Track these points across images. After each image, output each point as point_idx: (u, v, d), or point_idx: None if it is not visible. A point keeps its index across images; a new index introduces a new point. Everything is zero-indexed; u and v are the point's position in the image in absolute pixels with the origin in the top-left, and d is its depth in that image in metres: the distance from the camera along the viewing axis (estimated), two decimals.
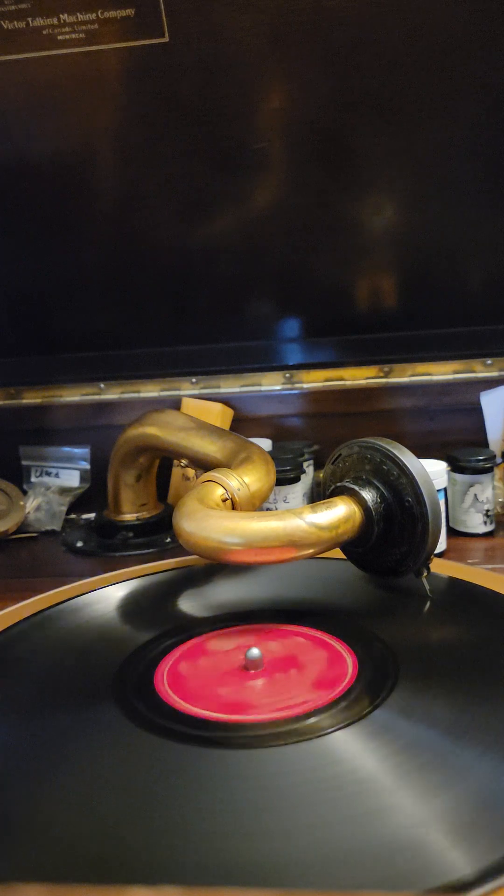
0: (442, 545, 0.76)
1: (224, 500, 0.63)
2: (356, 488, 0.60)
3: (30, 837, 0.38)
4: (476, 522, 0.80)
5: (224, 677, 0.52)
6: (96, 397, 0.99)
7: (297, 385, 0.97)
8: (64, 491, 0.96)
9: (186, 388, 0.98)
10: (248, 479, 0.65)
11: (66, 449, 1.00)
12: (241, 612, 0.61)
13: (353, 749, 0.43)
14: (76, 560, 0.82)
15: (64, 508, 0.92)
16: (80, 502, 0.96)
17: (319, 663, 0.52)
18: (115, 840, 0.38)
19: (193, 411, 0.93)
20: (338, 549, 0.62)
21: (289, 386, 0.97)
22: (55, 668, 0.55)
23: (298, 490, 0.83)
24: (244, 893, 0.34)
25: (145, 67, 0.79)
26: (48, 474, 1.00)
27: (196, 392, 0.97)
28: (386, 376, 0.95)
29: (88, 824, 0.39)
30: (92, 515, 0.93)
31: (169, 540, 0.83)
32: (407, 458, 0.59)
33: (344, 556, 0.65)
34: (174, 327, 0.98)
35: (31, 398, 1.00)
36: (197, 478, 0.81)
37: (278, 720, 0.46)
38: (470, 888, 0.33)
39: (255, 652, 0.52)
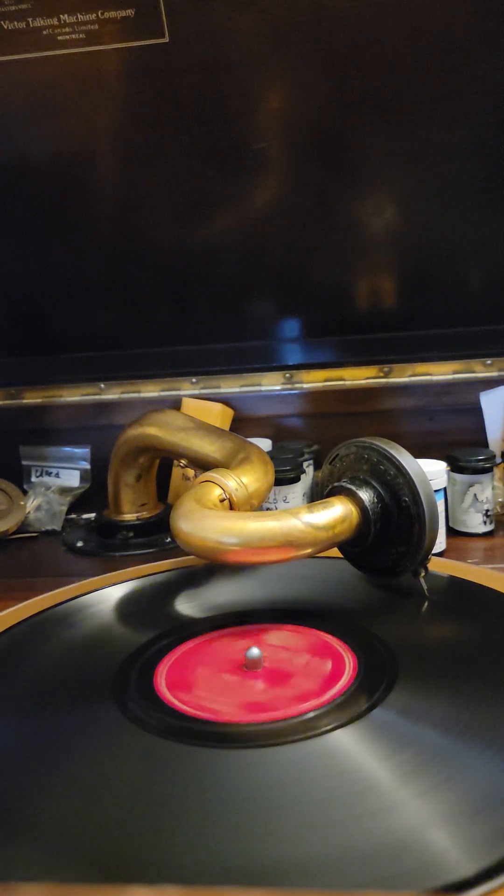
0: (441, 545, 0.76)
1: (221, 501, 0.63)
2: (353, 488, 0.60)
3: (30, 837, 0.38)
4: (476, 522, 0.80)
5: (224, 677, 0.52)
6: (96, 397, 0.99)
7: (297, 385, 0.97)
8: (64, 491, 0.96)
9: (186, 388, 0.98)
10: (246, 480, 0.65)
11: (67, 449, 1.00)
12: (241, 612, 0.61)
13: (352, 748, 0.43)
14: (76, 560, 0.82)
15: (64, 508, 0.92)
16: (80, 502, 0.96)
17: (319, 663, 0.53)
18: (115, 840, 0.38)
19: (193, 411, 0.93)
20: (337, 549, 0.62)
21: (289, 386, 0.97)
22: (55, 668, 0.55)
23: (298, 490, 0.83)
24: (244, 893, 0.34)
25: (145, 67, 0.79)
26: (48, 474, 1.00)
27: (196, 392, 0.97)
28: (386, 376, 0.95)
29: (88, 824, 0.39)
30: (92, 515, 0.93)
31: (169, 540, 0.83)
32: (404, 457, 0.59)
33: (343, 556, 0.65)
34: (174, 327, 0.98)
35: (31, 398, 1.00)
36: (196, 478, 0.81)
37: (278, 720, 0.46)
38: (470, 887, 0.33)
39: (254, 652, 0.52)
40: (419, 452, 0.66)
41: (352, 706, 0.47)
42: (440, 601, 0.61)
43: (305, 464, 0.87)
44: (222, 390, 0.97)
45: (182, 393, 0.97)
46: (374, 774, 0.41)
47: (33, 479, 1.00)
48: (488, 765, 0.41)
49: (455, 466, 0.80)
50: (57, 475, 1.00)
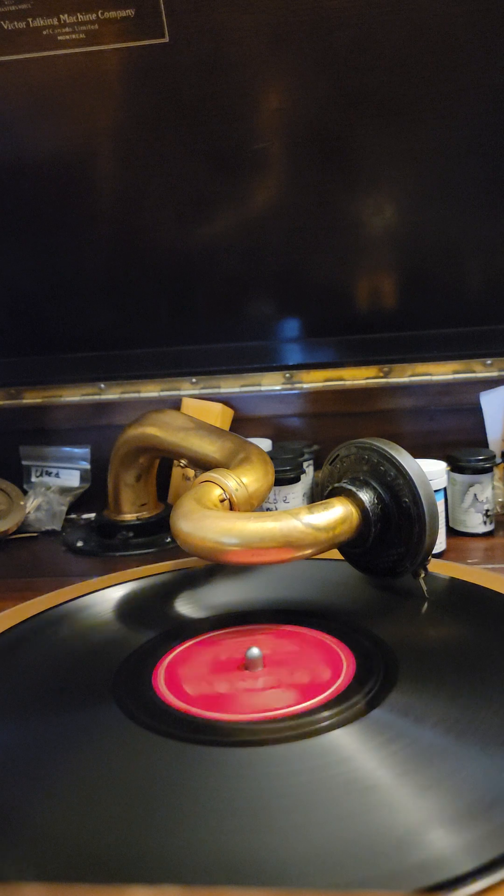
0: (441, 545, 0.76)
1: (222, 501, 0.63)
2: (353, 489, 0.60)
3: (30, 837, 0.38)
4: (476, 522, 0.80)
5: (224, 677, 0.52)
6: (96, 397, 0.99)
7: (297, 385, 0.97)
8: (64, 491, 0.96)
9: (186, 388, 0.98)
10: (246, 480, 0.65)
11: (67, 449, 1.00)
12: (241, 612, 0.62)
13: (352, 748, 0.43)
14: (76, 560, 0.82)
15: (64, 508, 0.93)
16: (80, 502, 0.96)
17: (319, 663, 0.53)
18: (115, 840, 0.38)
19: (193, 411, 0.93)
20: (337, 550, 0.62)
21: (289, 386, 0.97)
22: (56, 668, 0.55)
23: (298, 490, 0.83)
24: (244, 893, 0.34)
25: (145, 67, 0.79)
26: (48, 474, 1.00)
27: (196, 392, 0.97)
28: (386, 376, 0.95)
29: (88, 824, 0.39)
30: (92, 515, 0.93)
31: (169, 540, 0.83)
32: (404, 458, 0.59)
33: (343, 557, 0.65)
34: (174, 327, 0.98)
35: (31, 398, 1.00)
36: (196, 478, 0.81)
37: (277, 719, 0.46)
38: (467, 885, 0.33)
39: (254, 651, 0.52)
40: (419, 452, 0.66)
41: (351, 706, 0.47)
42: (440, 602, 0.61)
43: (305, 464, 0.87)
44: (222, 390, 0.97)
45: (182, 393, 0.97)
46: (373, 774, 0.41)
47: (33, 479, 1.00)
48: (487, 764, 0.41)
49: (455, 466, 0.80)
50: (57, 475, 1.00)
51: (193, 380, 0.98)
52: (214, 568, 0.70)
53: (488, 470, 0.79)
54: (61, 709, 0.50)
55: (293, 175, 0.88)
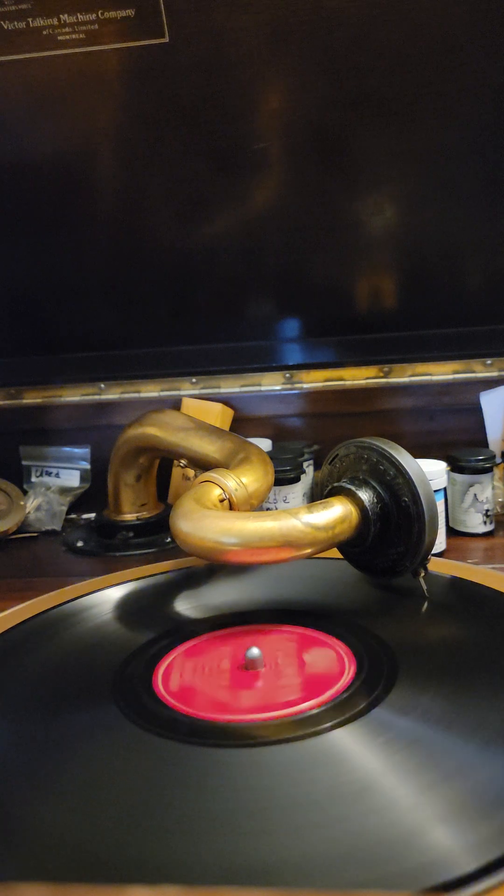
0: (441, 545, 0.76)
1: (221, 501, 0.63)
2: (353, 488, 0.60)
3: (30, 837, 0.38)
4: (476, 522, 0.80)
5: (224, 677, 0.52)
6: (96, 397, 0.99)
7: (297, 385, 0.97)
8: (64, 491, 0.96)
9: (186, 388, 0.98)
10: (245, 480, 0.65)
11: (67, 449, 1.00)
12: (241, 612, 0.61)
13: (352, 748, 0.43)
14: (76, 560, 0.82)
15: (64, 508, 0.92)
16: (80, 502, 0.96)
17: (319, 663, 0.53)
18: (115, 840, 0.38)
19: (193, 411, 0.93)
20: (336, 549, 0.62)
21: (289, 386, 0.97)
22: (56, 668, 0.55)
23: (298, 490, 0.83)
24: (244, 893, 0.34)
25: (145, 67, 0.79)
26: (48, 474, 1.00)
27: (196, 392, 0.97)
28: (386, 376, 0.95)
29: (88, 824, 0.39)
30: (92, 515, 0.93)
31: (169, 540, 0.83)
32: (403, 458, 0.59)
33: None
34: (174, 327, 0.98)
35: (31, 398, 1.00)
36: (196, 478, 0.81)
37: (278, 720, 0.46)
38: (470, 885, 0.33)
39: (254, 652, 0.52)
40: (419, 452, 0.66)
41: (352, 706, 0.47)
42: (440, 601, 0.61)
43: (305, 464, 0.87)
44: (222, 390, 0.97)
45: (182, 393, 0.97)
46: (373, 774, 0.41)
47: (33, 479, 1.00)
48: (487, 764, 0.41)
49: (455, 466, 0.80)
50: (57, 475, 1.00)
51: (193, 380, 0.98)
52: (214, 567, 0.70)
53: (488, 470, 0.79)
54: (61, 709, 0.50)
55: (293, 175, 0.88)
